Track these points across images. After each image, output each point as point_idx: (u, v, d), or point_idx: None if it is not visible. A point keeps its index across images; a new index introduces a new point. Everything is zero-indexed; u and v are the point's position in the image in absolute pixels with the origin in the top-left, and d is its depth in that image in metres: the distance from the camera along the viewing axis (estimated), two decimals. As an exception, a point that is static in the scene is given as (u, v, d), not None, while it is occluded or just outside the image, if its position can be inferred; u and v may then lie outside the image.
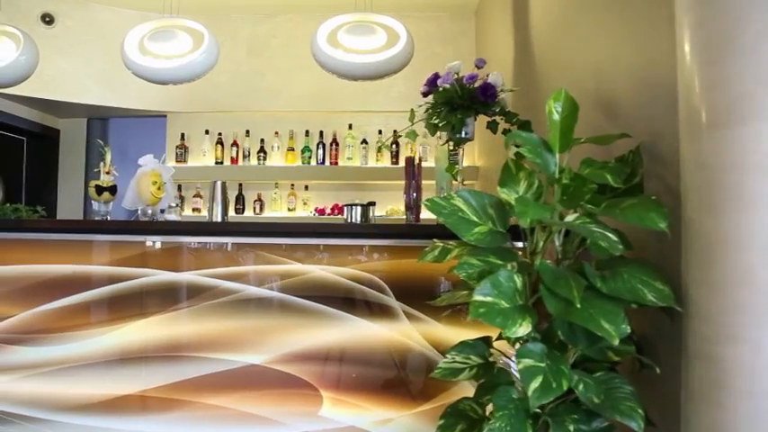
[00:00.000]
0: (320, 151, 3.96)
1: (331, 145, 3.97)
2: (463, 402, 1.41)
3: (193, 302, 1.90)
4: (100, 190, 2.30)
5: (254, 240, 1.89)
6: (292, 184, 3.98)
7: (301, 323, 1.87)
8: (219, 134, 4.01)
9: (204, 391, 1.89)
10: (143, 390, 1.91)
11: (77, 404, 1.94)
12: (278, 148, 3.98)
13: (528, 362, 1.16)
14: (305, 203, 3.96)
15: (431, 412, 1.84)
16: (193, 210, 4.04)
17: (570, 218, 1.23)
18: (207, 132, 4.02)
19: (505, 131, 1.90)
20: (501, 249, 1.30)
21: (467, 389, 1.83)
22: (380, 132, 3.97)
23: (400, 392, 1.86)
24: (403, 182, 3.87)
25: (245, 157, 3.98)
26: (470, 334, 1.81)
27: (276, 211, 3.98)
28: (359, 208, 2.26)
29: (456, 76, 1.89)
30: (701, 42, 1.04)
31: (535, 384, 1.12)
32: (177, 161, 4.00)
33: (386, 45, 2.60)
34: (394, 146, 3.94)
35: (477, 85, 1.85)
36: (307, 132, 3.99)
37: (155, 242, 1.95)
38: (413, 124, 1.95)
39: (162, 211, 2.23)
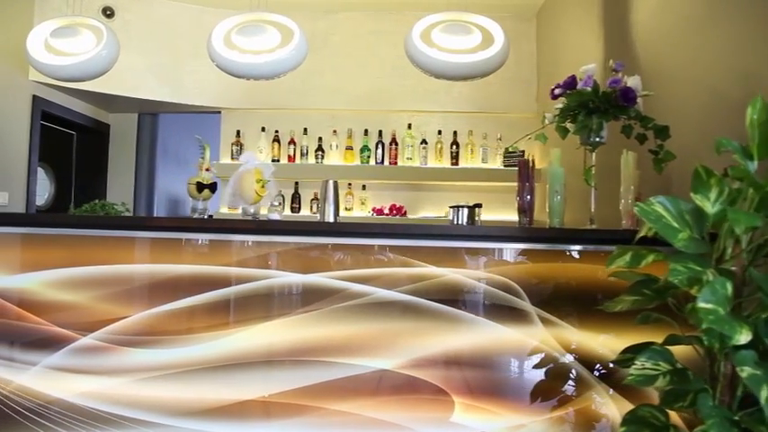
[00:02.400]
0: (379, 151, 3.92)
1: (390, 145, 3.93)
2: (642, 409, 1.39)
3: (321, 305, 1.85)
4: (200, 187, 2.25)
5: (386, 242, 1.85)
6: (349, 184, 3.93)
7: (433, 327, 1.83)
8: (276, 132, 3.96)
9: (331, 397, 1.84)
10: (266, 395, 1.86)
11: (196, 409, 1.88)
12: (336, 146, 3.93)
13: (749, 370, 1.14)
14: (362, 203, 3.92)
15: (563, 418, 1.82)
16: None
17: (781, 225, 1.22)
18: (263, 129, 3.96)
19: (639, 136, 1.88)
20: (697, 256, 1.28)
21: (601, 394, 1.81)
22: (440, 133, 3.94)
23: (533, 398, 1.84)
24: (461, 183, 3.87)
25: (302, 155, 3.92)
26: (611, 341, 1.80)
27: (332, 211, 3.93)
28: (465, 210, 2.24)
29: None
30: None
31: (765, 393, 1.10)
32: (232, 158, 3.93)
33: (480, 45, 2.57)
34: (454, 147, 3.91)
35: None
36: (366, 131, 3.95)
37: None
38: (544, 127, 1.92)
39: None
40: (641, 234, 1.43)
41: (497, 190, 3.78)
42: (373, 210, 3.91)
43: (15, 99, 3.39)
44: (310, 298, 1.86)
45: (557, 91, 1.86)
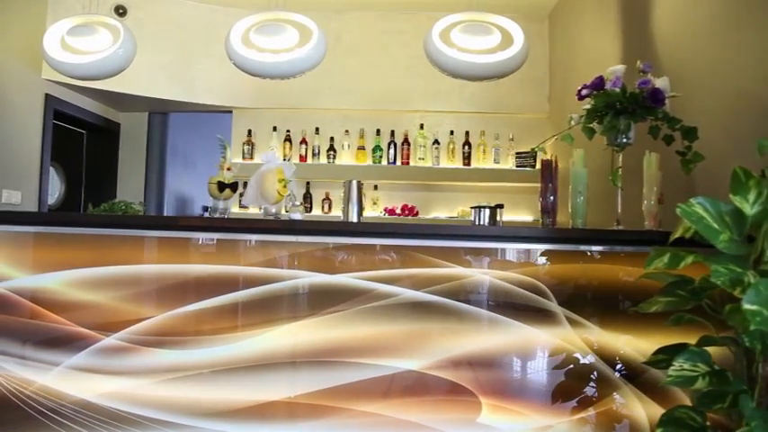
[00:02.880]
0: (391, 151, 3.91)
1: (402, 145, 3.92)
2: (679, 410, 1.39)
3: (347, 306, 1.84)
4: (222, 187, 2.23)
5: (412, 243, 1.84)
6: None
7: (460, 328, 1.83)
8: (288, 131, 3.95)
9: (357, 398, 1.83)
10: (290, 396, 1.85)
11: (219, 410, 1.87)
12: (348, 146, 3.92)
13: (791, 373, 1.14)
14: (374, 203, 3.91)
15: (589, 419, 1.82)
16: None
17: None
18: (275, 129, 3.95)
19: (666, 137, 1.88)
20: (737, 257, 1.28)
21: (627, 396, 1.81)
22: (452, 133, 3.93)
23: (560, 399, 1.83)
24: (473, 183, 3.86)
25: (314, 155, 3.91)
26: (638, 342, 1.80)
27: (344, 211, 3.92)
28: (487, 210, 2.23)
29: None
30: None
31: (810, 397, 1.10)
32: (243, 158, 3.92)
33: (499, 46, 2.57)
34: (466, 147, 3.91)
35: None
36: (378, 131, 3.94)
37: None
38: (570, 128, 1.92)
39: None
40: (677, 234, 1.43)
41: (510, 190, 3.79)
42: (385, 210, 3.90)
43: (29, 98, 3.37)
44: (336, 298, 1.85)
45: (584, 92, 1.86)
